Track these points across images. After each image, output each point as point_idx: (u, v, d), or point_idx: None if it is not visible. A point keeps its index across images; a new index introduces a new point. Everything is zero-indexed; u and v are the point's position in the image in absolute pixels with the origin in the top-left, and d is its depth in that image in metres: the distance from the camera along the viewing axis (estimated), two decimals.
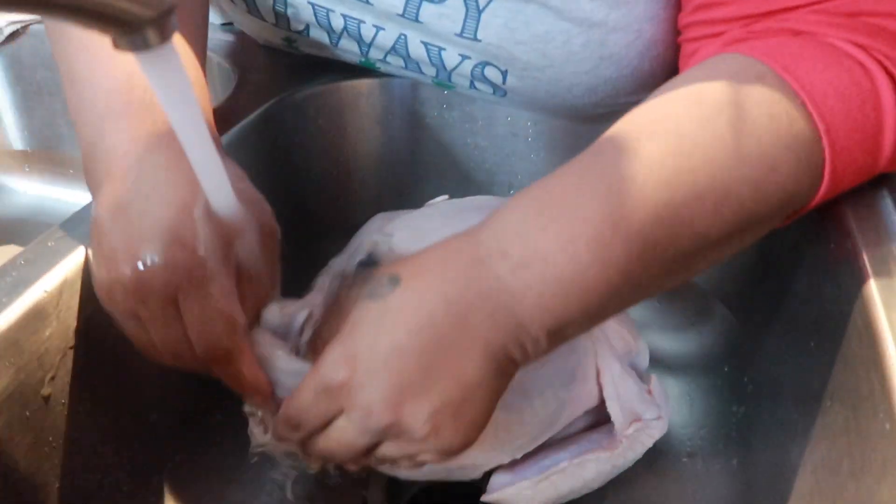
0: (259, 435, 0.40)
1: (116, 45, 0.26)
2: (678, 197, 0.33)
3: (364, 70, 0.61)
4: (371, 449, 0.35)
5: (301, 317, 0.42)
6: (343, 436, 0.34)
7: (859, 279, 0.38)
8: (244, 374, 0.37)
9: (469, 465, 0.42)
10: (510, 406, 0.39)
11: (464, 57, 0.53)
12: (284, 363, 0.38)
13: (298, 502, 0.51)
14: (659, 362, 0.59)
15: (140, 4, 0.24)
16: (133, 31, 0.25)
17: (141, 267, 0.33)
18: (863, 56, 0.36)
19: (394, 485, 0.51)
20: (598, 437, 0.44)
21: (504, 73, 0.53)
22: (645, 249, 0.33)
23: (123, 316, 0.35)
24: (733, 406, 0.53)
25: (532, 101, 0.55)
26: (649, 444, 0.45)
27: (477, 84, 0.56)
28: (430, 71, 0.57)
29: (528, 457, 0.43)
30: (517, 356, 0.34)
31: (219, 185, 0.34)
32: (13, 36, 0.77)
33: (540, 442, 0.42)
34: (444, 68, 0.55)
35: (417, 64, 0.56)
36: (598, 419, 0.46)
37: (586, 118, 0.57)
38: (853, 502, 0.35)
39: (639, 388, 0.45)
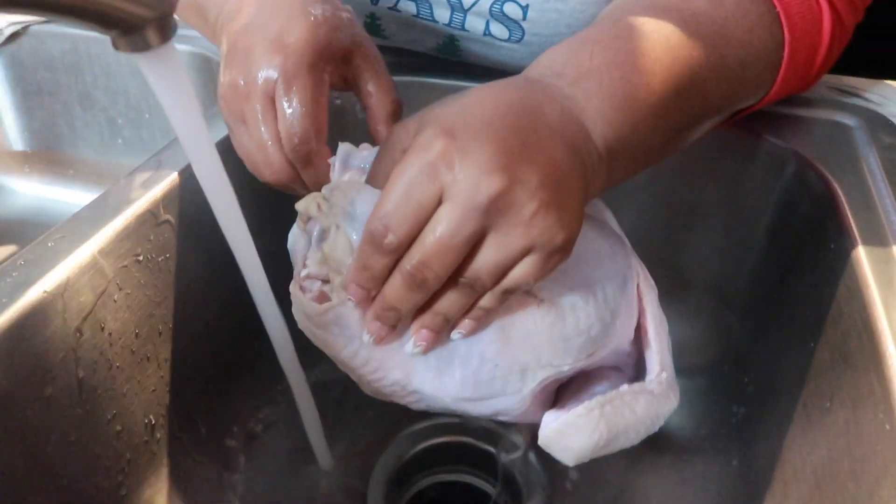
0: (307, 302, 0.36)
1: (116, 45, 0.26)
2: (693, 58, 0.38)
3: None
4: (471, 252, 0.31)
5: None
6: (445, 226, 0.30)
7: (859, 279, 0.38)
8: (321, 171, 0.41)
9: (532, 362, 0.38)
10: (574, 295, 0.37)
11: None
12: (366, 192, 0.35)
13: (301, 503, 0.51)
14: None
15: (140, 5, 0.24)
16: (133, 32, 0.25)
17: (250, 71, 0.40)
18: None
19: (393, 488, 0.51)
20: (632, 385, 0.41)
21: (525, 8, 0.52)
22: (676, 89, 0.37)
23: (233, 118, 0.42)
24: (733, 406, 0.53)
25: (548, 44, 0.54)
26: (669, 410, 0.41)
27: (492, 28, 0.55)
28: (444, 15, 0.55)
29: (573, 396, 0.40)
30: (588, 164, 0.34)
31: (219, 186, 0.34)
32: (14, 37, 0.77)
33: (593, 353, 0.39)
34: (461, 7, 0.54)
35: (430, 6, 0.55)
36: (618, 380, 0.42)
37: None
38: (853, 502, 0.35)
39: (667, 332, 0.43)
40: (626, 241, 0.44)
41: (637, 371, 0.43)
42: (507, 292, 0.33)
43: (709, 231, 0.58)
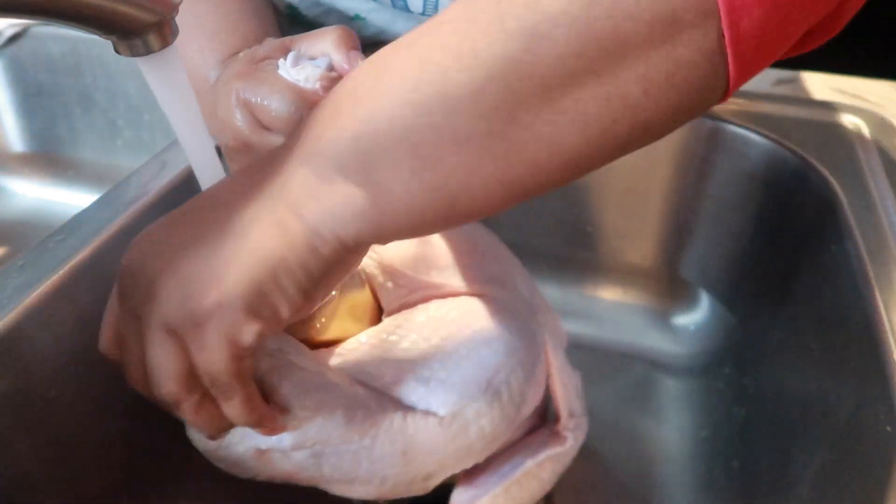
0: (200, 440, 0.37)
1: (117, 49, 0.26)
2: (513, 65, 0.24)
3: None
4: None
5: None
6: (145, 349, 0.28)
7: (859, 280, 0.38)
8: None
9: (437, 470, 0.38)
10: (479, 403, 0.38)
11: None
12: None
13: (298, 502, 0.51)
14: (659, 363, 0.59)
15: (142, 9, 0.24)
16: (134, 36, 0.25)
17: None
18: None
19: None
20: (540, 438, 0.43)
21: None
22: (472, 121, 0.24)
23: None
24: (734, 408, 0.53)
25: None
26: (581, 441, 0.44)
27: None
28: (417, 5, 0.55)
29: (483, 468, 0.41)
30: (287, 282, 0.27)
31: None
32: (14, 38, 0.77)
33: (500, 442, 0.40)
34: None
35: None
36: (534, 423, 0.45)
37: None
38: None
39: (574, 381, 0.45)
40: (539, 299, 0.45)
41: (544, 407, 0.45)
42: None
43: (709, 231, 0.58)
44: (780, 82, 0.58)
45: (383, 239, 0.27)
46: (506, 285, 0.44)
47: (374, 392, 0.38)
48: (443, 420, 0.37)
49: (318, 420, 0.35)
